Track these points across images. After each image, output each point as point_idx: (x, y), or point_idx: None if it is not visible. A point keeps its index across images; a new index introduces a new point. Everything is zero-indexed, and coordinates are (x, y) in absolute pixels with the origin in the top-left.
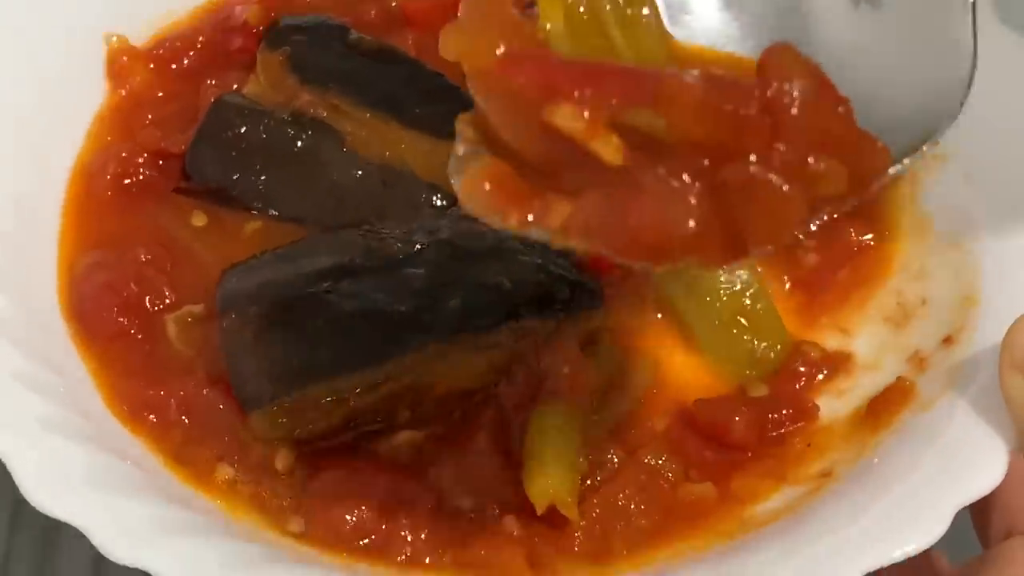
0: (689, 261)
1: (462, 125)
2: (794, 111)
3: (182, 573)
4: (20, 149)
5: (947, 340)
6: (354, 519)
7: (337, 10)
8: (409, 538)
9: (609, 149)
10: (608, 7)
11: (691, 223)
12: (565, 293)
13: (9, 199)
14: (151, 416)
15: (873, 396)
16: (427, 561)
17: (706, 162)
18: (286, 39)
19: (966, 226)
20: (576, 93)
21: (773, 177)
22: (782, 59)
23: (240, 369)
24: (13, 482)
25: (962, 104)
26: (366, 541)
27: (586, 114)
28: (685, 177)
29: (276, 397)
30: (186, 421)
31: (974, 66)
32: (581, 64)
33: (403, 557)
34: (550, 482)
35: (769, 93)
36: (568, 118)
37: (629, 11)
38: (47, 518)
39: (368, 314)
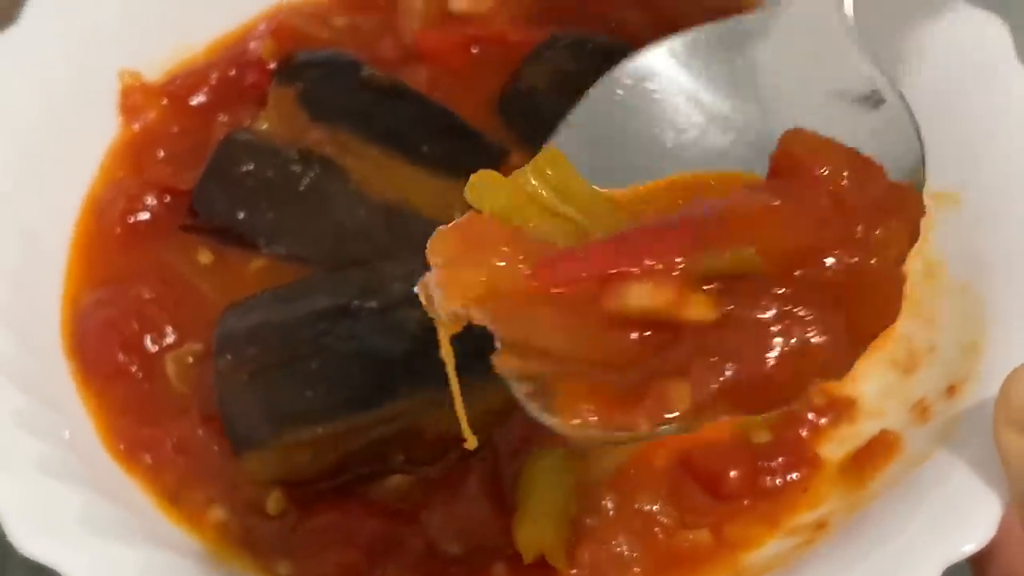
0: (820, 377)
1: (501, 368)
2: (853, 192)
3: None
4: (30, 183)
5: (950, 390)
6: (342, 562)
7: (354, 45)
8: None
9: (700, 309)
10: (535, 182)
11: (820, 338)
12: None
13: (17, 234)
14: (147, 456)
15: (858, 447)
16: None
17: (797, 272)
18: (299, 74)
19: (977, 272)
20: (638, 269)
21: (866, 260)
22: (809, 144)
23: (233, 410)
24: None
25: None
26: None
27: (663, 286)
28: (785, 295)
29: (268, 439)
30: (180, 462)
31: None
32: (615, 239)
33: None
34: (539, 531)
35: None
36: (645, 297)
37: (551, 173)
38: None
39: (363, 358)
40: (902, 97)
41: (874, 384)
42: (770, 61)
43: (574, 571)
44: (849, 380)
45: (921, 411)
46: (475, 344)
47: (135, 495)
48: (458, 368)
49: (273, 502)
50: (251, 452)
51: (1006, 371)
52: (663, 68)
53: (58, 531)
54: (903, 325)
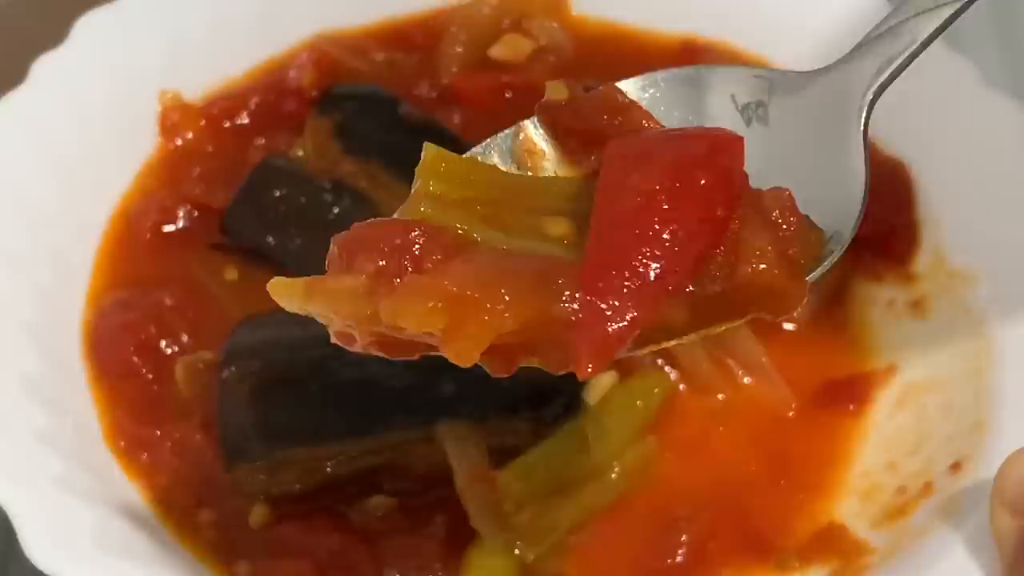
0: None
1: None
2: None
3: None
4: (65, 203)
5: (954, 466)
6: (293, 573)
7: (391, 81)
8: None
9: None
10: (432, 185)
11: None
12: (560, 401)
13: (48, 252)
14: (144, 455)
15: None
16: None
17: None
18: (337, 106)
19: (987, 353)
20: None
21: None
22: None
23: (229, 421)
24: None
25: (855, 228)
26: None
27: None
28: None
29: (258, 455)
30: (176, 464)
31: (866, 193)
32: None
33: None
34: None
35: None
36: None
37: (445, 167)
38: None
39: (363, 386)
40: (865, 196)
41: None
42: (778, 116)
43: None
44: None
45: (925, 487)
46: (469, 389)
47: (135, 502)
48: (450, 410)
49: (256, 515)
50: (240, 465)
51: (1009, 452)
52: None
53: (72, 548)
54: (915, 398)
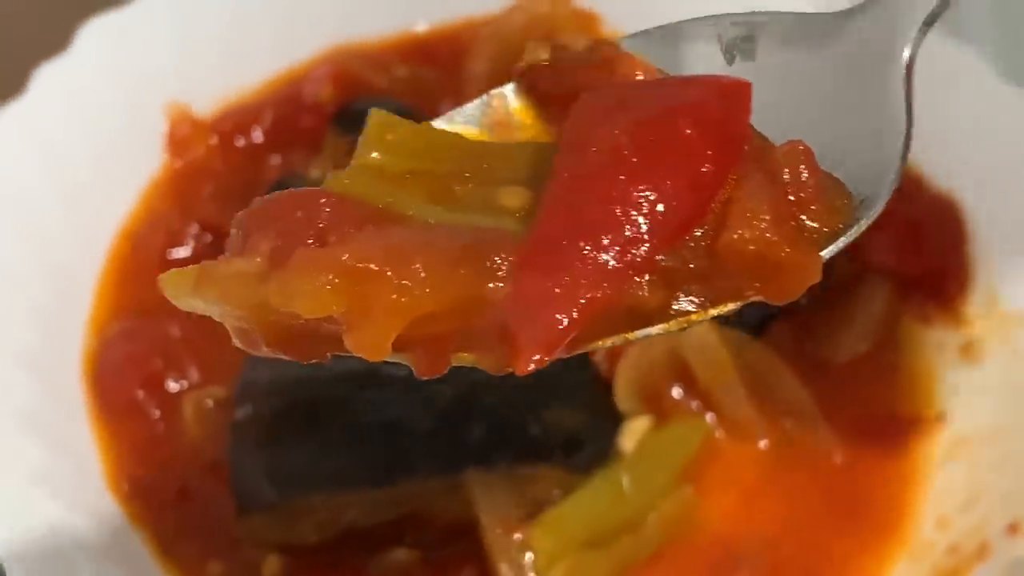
0: None
1: None
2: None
3: None
4: (66, 217)
5: (1012, 528)
6: None
7: (413, 97)
8: None
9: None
10: (375, 154)
11: None
12: (592, 449)
13: (48, 271)
14: (149, 499)
15: None
16: None
17: None
18: (358, 123)
19: None
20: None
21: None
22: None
23: (242, 466)
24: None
25: (890, 192)
26: None
27: None
28: None
29: (273, 503)
30: (183, 509)
31: (906, 151)
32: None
33: None
34: None
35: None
36: None
37: (391, 137)
38: None
39: (385, 430)
40: (904, 154)
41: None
42: (809, 60)
43: None
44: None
45: (980, 548)
46: (499, 437)
47: (139, 551)
48: (477, 458)
49: (269, 567)
50: (254, 514)
51: None
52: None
53: None
54: (966, 449)
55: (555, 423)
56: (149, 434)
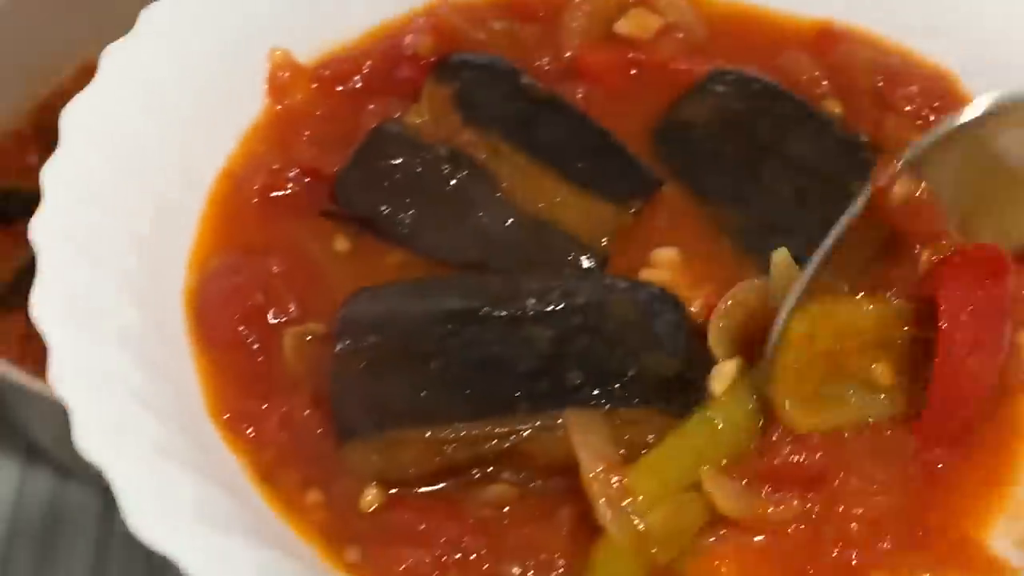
0: None
1: None
2: None
3: None
4: (169, 154)
5: None
6: (410, 561)
7: (511, 51)
8: None
9: None
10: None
11: None
12: (691, 393)
13: (151, 203)
14: (249, 429)
15: None
16: None
17: None
18: (456, 75)
19: None
20: None
21: None
22: None
23: (344, 397)
24: (11, 485)
25: None
26: None
27: None
28: None
29: (373, 434)
30: (282, 439)
31: None
32: None
33: None
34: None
35: None
36: None
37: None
38: (46, 522)
39: (485, 367)
40: None
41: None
42: None
43: None
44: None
45: None
46: (597, 380)
47: (235, 471)
48: (576, 398)
49: (368, 499)
50: (354, 443)
51: None
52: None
53: (174, 520)
54: None
55: (651, 368)
56: (249, 366)
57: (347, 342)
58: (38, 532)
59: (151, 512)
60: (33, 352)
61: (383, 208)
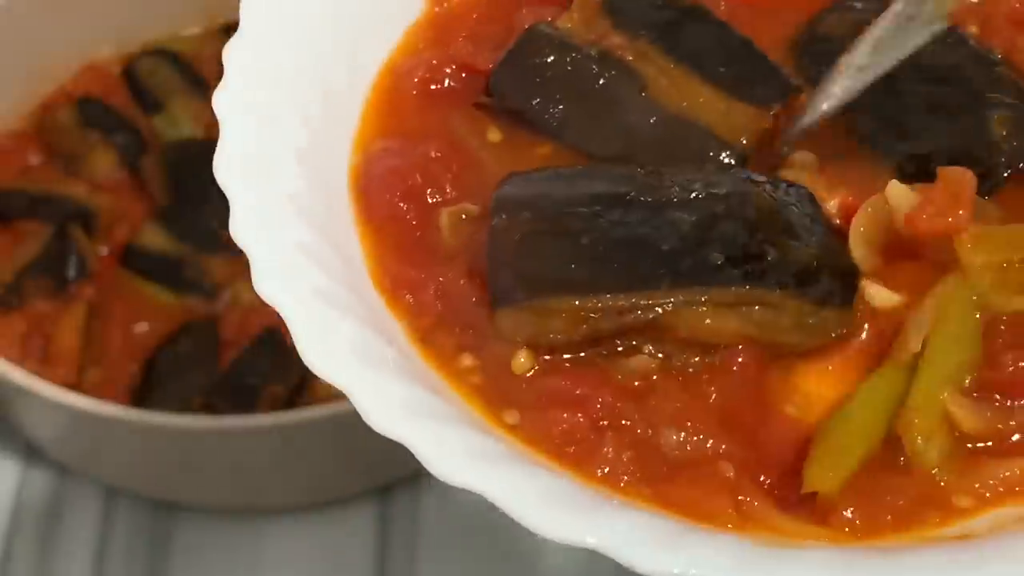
0: None
1: None
2: None
3: (432, 451)
4: (337, 47)
5: None
6: (566, 424)
7: None
8: (611, 455)
9: None
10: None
11: None
12: (826, 282)
13: (320, 89)
14: (408, 296)
15: None
16: (623, 482)
17: None
18: None
19: None
20: None
21: None
22: None
23: (498, 267)
24: (11, 485)
25: None
26: (572, 449)
27: None
28: None
29: (526, 300)
30: (439, 307)
31: None
32: None
33: (602, 472)
34: (829, 474)
35: None
36: None
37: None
38: (46, 522)
39: (630, 244)
40: None
41: None
42: None
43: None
44: None
45: None
46: (740, 264)
47: (395, 332)
48: (718, 277)
49: (519, 361)
50: (507, 309)
51: None
52: None
53: (336, 354)
54: None
55: (790, 255)
56: (409, 239)
57: (502, 217)
58: (38, 532)
59: (316, 345)
60: (33, 352)
61: (534, 102)
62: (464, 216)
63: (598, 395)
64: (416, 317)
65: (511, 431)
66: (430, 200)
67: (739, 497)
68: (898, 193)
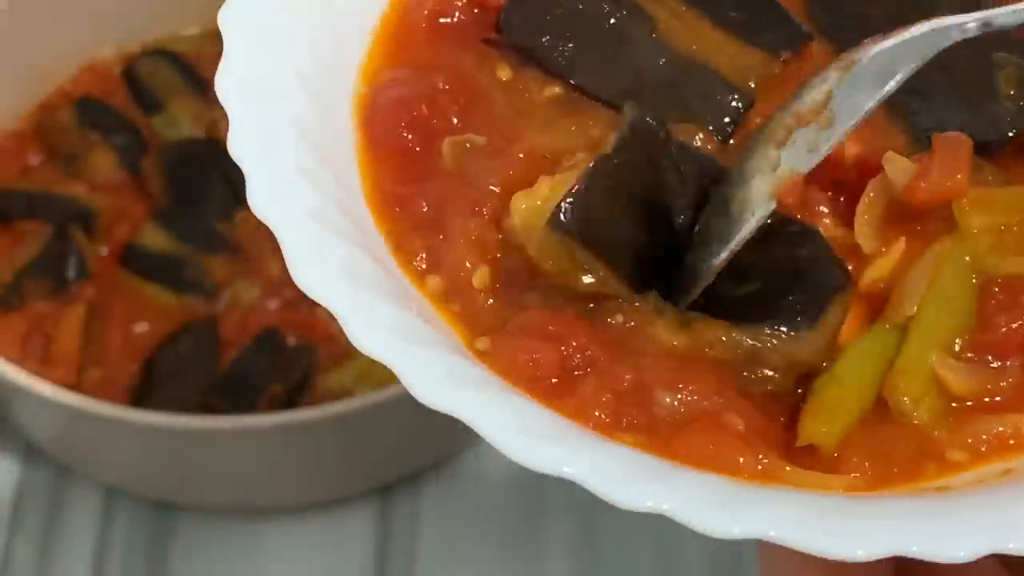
0: None
1: None
2: None
3: (414, 374)
4: None
5: None
6: (536, 355)
7: None
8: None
9: None
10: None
11: None
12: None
13: (328, 15)
14: (396, 208)
15: None
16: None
17: None
18: None
19: None
20: None
21: None
22: None
23: (584, 190)
24: (11, 485)
25: None
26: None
27: None
28: None
29: (574, 236)
30: (426, 227)
31: None
32: None
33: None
34: (824, 429)
35: None
36: None
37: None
38: (45, 522)
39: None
40: None
41: None
42: None
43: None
44: None
45: None
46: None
47: (383, 252)
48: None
49: (479, 276)
50: (555, 233)
51: None
52: None
53: (325, 277)
54: None
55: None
56: (409, 163)
57: (625, 157)
58: (38, 532)
59: (305, 265)
60: (33, 352)
61: (544, 39)
62: (469, 146)
63: (574, 335)
64: (397, 223)
65: (482, 357)
66: (436, 127)
67: (747, 447)
68: (896, 166)
